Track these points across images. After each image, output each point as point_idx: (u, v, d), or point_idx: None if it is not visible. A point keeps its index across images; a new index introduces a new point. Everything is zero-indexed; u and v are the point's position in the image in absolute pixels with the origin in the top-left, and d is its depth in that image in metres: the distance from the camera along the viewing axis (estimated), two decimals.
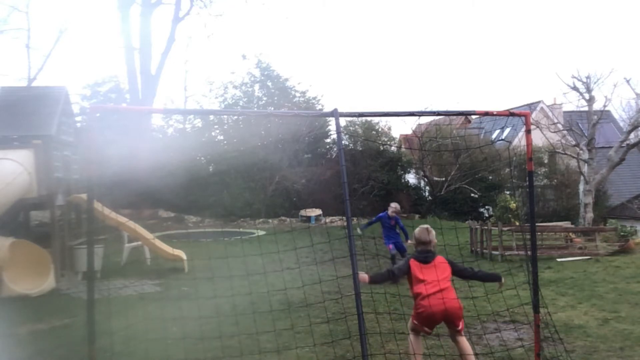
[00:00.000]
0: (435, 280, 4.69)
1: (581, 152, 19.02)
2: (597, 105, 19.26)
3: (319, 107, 26.90)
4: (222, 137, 26.34)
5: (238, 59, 34.74)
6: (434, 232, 5.05)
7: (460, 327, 4.78)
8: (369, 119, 25.35)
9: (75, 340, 6.15)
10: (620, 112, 27.17)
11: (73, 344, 6.09)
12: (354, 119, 23.03)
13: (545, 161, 25.03)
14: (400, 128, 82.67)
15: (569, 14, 63.53)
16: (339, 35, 62.84)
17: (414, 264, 4.88)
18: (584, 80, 19.10)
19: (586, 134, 19.28)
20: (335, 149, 25.96)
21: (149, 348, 5.82)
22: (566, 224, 15.77)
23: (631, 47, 59.47)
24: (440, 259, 4.91)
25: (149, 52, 23.59)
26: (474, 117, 31.66)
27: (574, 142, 19.90)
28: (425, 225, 5.14)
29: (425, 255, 4.90)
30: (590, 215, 18.41)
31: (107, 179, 15.85)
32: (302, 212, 21.88)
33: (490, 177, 25.17)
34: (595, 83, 19.06)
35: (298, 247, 5.62)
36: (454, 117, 25.29)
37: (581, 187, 19.42)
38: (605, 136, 21.74)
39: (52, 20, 51.72)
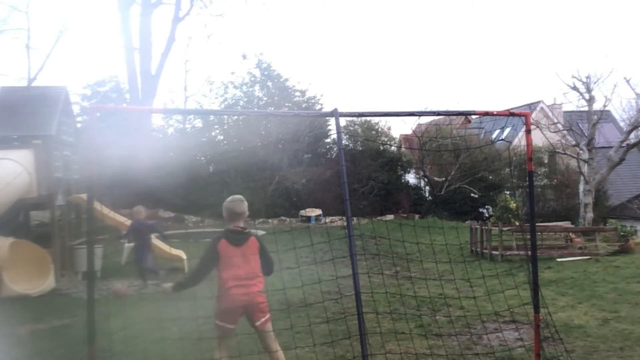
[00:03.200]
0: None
1: (581, 152, 19.02)
2: (597, 105, 19.28)
3: (319, 106, 26.90)
4: (222, 137, 26.36)
5: (238, 59, 34.75)
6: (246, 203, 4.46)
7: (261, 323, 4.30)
8: (369, 119, 25.35)
9: (75, 340, 6.15)
10: (620, 112, 27.15)
11: (73, 344, 6.09)
12: (354, 119, 23.03)
13: (545, 161, 25.02)
14: (400, 128, 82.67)
15: (569, 14, 63.59)
16: (339, 35, 62.91)
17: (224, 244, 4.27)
18: (584, 80, 19.12)
19: (586, 134, 19.28)
20: (335, 149, 25.97)
21: (149, 348, 5.82)
22: (566, 224, 15.77)
23: (631, 47, 59.53)
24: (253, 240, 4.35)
25: (149, 52, 23.59)
26: (474, 117, 31.65)
27: (574, 142, 19.90)
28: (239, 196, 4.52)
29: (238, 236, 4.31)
30: (590, 215, 18.41)
31: (107, 179, 15.85)
32: (302, 212, 21.88)
33: (490, 177, 25.17)
34: (595, 83, 19.10)
35: (298, 247, 5.61)
36: (454, 117, 25.26)
37: (581, 187, 19.42)
38: (605, 136, 21.71)
39: (52, 20, 51.76)
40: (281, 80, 26.96)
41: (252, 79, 27.07)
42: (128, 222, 12.03)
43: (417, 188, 27.08)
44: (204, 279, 4.33)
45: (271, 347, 4.29)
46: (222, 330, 4.27)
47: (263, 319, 4.28)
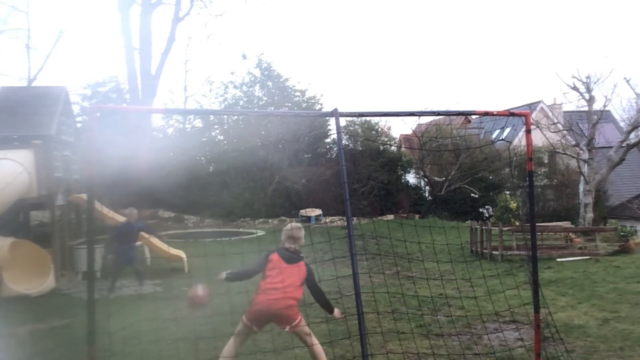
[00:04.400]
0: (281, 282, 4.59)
1: (581, 152, 19.02)
2: (597, 105, 19.28)
3: (319, 106, 26.89)
4: (222, 137, 26.35)
5: (238, 58, 34.68)
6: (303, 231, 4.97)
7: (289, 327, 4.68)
8: (368, 119, 25.34)
9: (75, 340, 6.15)
10: (620, 112, 27.16)
11: (73, 344, 6.08)
12: (354, 119, 23.02)
13: (545, 161, 25.02)
14: (400, 128, 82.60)
15: (569, 14, 63.59)
16: (339, 35, 62.89)
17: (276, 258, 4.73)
18: (584, 80, 19.11)
19: (586, 134, 19.28)
20: (335, 149, 25.96)
21: (148, 348, 5.82)
22: (566, 224, 15.77)
23: (631, 47, 59.52)
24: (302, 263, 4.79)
25: (149, 52, 23.57)
26: (474, 117, 31.65)
27: (574, 142, 19.90)
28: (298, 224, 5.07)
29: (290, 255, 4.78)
30: (590, 215, 18.41)
31: (107, 179, 15.84)
32: (302, 212, 21.87)
33: (490, 177, 25.16)
34: (595, 83, 19.09)
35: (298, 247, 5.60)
36: (454, 117, 25.26)
37: (581, 187, 19.42)
38: (605, 136, 21.71)
39: (52, 20, 51.65)
40: (281, 80, 26.96)
41: (252, 79, 27.07)
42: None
43: (417, 188, 27.07)
44: (250, 278, 4.75)
45: (307, 342, 4.73)
46: (245, 327, 4.68)
47: (289, 327, 4.66)
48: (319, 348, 4.72)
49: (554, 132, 20.43)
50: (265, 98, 26.63)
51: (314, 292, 4.84)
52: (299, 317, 4.70)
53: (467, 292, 6.79)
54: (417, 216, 22.84)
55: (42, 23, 52.53)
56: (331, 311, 4.93)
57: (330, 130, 25.62)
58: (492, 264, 11.66)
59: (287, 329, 4.66)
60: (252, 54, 37.20)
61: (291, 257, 4.76)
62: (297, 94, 27.17)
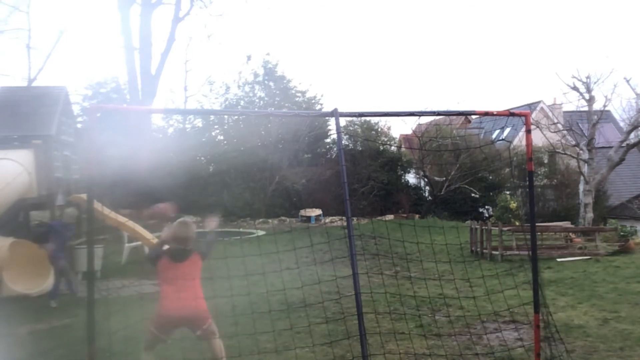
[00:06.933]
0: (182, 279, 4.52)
1: (581, 152, 19.01)
2: (597, 105, 19.27)
3: (319, 107, 26.88)
4: (222, 137, 26.35)
5: (239, 58, 34.74)
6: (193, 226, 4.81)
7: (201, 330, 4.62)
8: (368, 119, 25.34)
9: (75, 340, 6.15)
10: (620, 112, 27.11)
11: (73, 344, 6.09)
12: (354, 119, 23.02)
13: (545, 161, 25.00)
14: (400, 128, 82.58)
15: (569, 14, 63.58)
16: (339, 35, 62.88)
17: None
18: (584, 80, 19.10)
19: (586, 134, 19.27)
20: (335, 149, 25.95)
21: None
22: (566, 224, 15.77)
23: (631, 47, 59.52)
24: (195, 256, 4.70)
25: (149, 52, 23.57)
26: (474, 117, 31.64)
27: (574, 142, 19.89)
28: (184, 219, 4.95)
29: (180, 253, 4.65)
30: (590, 215, 18.40)
31: (107, 179, 15.84)
32: (302, 212, 21.87)
33: (490, 177, 25.15)
34: (595, 83, 19.08)
35: (298, 247, 5.61)
36: (454, 117, 25.27)
37: (581, 187, 19.42)
38: (605, 136, 21.70)
39: (53, 21, 51.64)
40: (284, 81, 26.96)
41: (254, 79, 27.07)
42: (129, 222, 12.04)
43: (417, 188, 27.07)
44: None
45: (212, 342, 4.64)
46: (153, 336, 4.63)
47: (200, 330, 4.62)
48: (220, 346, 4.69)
49: (554, 132, 20.43)
50: (266, 98, 26.64)
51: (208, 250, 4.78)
52: (210, 319, 4.62)
53: (466, 292, 6.79)
54: (417, 216, 22.84)
55: (43, 23, 52.62)
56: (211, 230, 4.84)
57: (330, 130, 25.64)
58: (491, 264, 11.66)
59: (199, 332, 4.57)
60: (256, 54, 37.19)
61: (180, 254, 4.63)
62: (298, 94, 27.19)
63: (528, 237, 5.14)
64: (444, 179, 24.37)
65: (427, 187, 26.72)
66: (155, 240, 11.64)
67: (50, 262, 9.00)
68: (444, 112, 6.19)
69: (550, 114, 27.46)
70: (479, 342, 6.00)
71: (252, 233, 17.62)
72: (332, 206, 22.01)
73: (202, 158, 24.80)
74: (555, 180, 24.90)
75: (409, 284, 8.70)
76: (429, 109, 12.11)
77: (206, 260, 4.73)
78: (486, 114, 5.17)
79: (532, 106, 28.61)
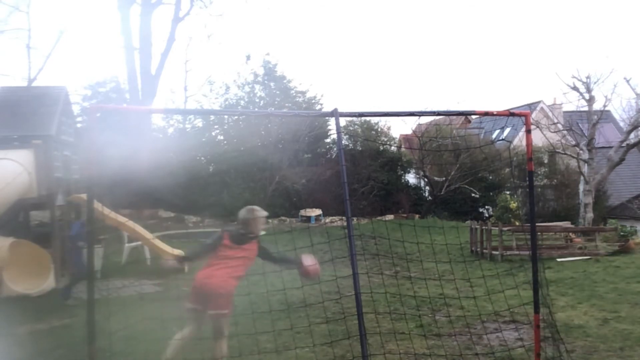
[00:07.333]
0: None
1: (581, 152, 19.01)
2: (597, 105, 19.27)
3: (319, 107, 26.86)
4: (222, 137, 26.33)
5: (238, 58, 34.73)
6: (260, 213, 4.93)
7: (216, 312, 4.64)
8: (368, 119, 25.34)
9: (75, 340, 6.15)
10: (620, 112, 27.12)
11: (73, 344, 6.09)
12: (354, 119, 23.02)
13: (545, 161, 25.01)
14: (400, 128, 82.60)
15: (569, 14, 63.57)
16: (339, 35, 62.87)
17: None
18: (584, 80, 19.10)
19: (586, 134, 19.27)
20: (335, 149, 25.93)
21: (149, 348, 5.81)
22: (566, 224, 15.77)
23: (631, 47, 59.51)
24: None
25: (149, 52, 23.56)
26: (474, 117, 31.64)
27: (574, 142, 19.89)
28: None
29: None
30: (590, 215, 18.40)
31: (107, 179, 15.84)
32: (302, 212, 21.87)
33: (490, 177, 25.15)
34: (595, 83, 19.08)
35: (298, 247, 5.61)
36: (454, 117, 25.26)
37: (581, 187, 19.42)
38: (605, 136, 21.71)
39: (53, 21, 51.60)
40: (284, 81, 26.94)
41: (254, 79, 27.06)
42: (129, 222, 12.04)
43: (417, 188, 27.06)
44: (203, 258, 4.90)
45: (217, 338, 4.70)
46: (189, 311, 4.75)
47: (215, 312, 4.68)
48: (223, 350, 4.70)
49: (554, 132, 20.43)
50: (267, 98, 26.63)
51: (273, 260, 4.88)
52: (228, 310, 4.67)
53: (466, 292, 6.79)
54: (417, 216, 22.84)
55: (43, 23, 52.57)
56: (300, 265, 4.84)
57: (330, 130, 25.62)
58: (491, 264, 11.66)
59: (212, 312, 4.60)
60: (256, 54, 37.18)
61: (241, 238, 4.77)
62: (299, 94, 27.18)
63: (528, 237, 5.14)
64: (444, 179, 24.37)
65: (427, 187, 26.72)
66: (155, 240, 11.65)
67: (69, 262, 9.01)
68: (444, 112, 6.19)
69: (550, 114, 27.46)
70: (479, 342, 6.00)
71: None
72: (332, 206, 22.00)
73: (202, 158, 24.78)
74: (555, 180, 24.90)
75: (409, 284, 8.70)
76: (429, 109, 12.11)
77: (259, 255, 4.85)
78: (486, 114, 5.17)
79: (532, 106, 28.61)
